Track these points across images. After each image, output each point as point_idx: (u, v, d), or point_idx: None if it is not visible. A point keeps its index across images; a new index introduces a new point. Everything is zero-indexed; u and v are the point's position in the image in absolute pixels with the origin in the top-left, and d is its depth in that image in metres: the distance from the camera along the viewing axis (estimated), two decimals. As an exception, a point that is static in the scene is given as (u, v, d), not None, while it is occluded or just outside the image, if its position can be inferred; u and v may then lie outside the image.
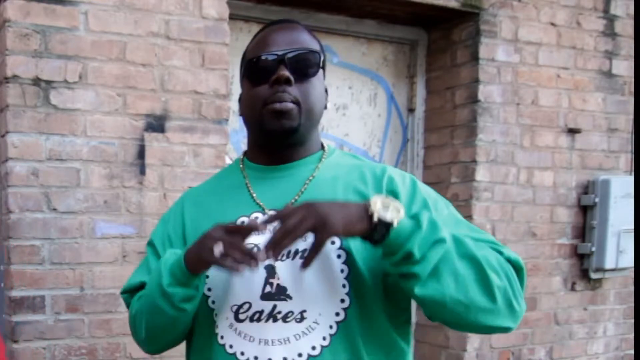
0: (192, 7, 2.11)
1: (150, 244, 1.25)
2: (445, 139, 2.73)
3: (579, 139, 2.82)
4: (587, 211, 2.85)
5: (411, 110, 2.83)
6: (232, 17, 2.24)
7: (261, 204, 1.11)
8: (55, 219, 1.97)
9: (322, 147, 1.19)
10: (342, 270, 1.05)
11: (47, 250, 1.97)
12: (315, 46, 1.11)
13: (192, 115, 2.13)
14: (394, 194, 1.08)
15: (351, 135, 2.68)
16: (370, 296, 1.06)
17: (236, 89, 2.47)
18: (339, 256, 1.05)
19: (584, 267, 2.88)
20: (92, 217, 2.02)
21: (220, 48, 2.16)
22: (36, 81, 1.93)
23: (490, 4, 2.58)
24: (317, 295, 1.05)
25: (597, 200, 2.80)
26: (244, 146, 2.50)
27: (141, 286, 1.21)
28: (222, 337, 1.09)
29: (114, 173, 2.04)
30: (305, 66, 1.08)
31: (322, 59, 1.10)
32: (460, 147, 2.67)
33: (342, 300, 1.05)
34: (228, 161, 2.33)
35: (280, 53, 1.07)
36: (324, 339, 1.05)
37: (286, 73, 1.06)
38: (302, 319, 1.05)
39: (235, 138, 2.48)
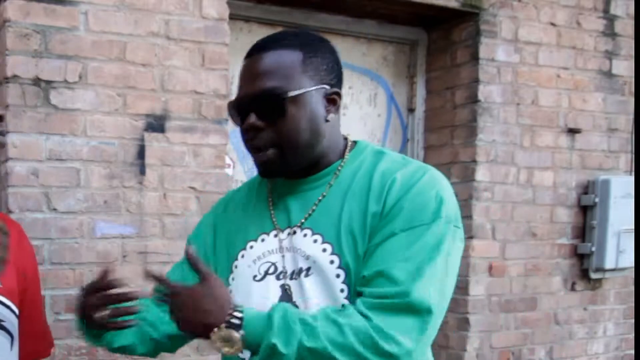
0: (192, 7, 2.11)
1: (189, 244, 1.25)
2: (445, 139, 2.73)
3: (579, 139, 2.82)
4: (587, 211, 2.85)
5: (411, 110, 2.83)
6: (232, 17, 2.24)
7: (275, 221, 1.13)
8: (55, 219, 1.97)
9: (345, 150, 1.13)
10: (342, 290, 1.04)
11: (47, 250, 1.97)
12: (288, 76, 1.02)
13: (192, 115, 2.13)
14: (384, 201, 1.02)
15: (351, 136, 2.68)
16: None
17: (236, 89, 2.47)
18: (337, 275, 1.04)
19: (584, 267, 2.88)
20: (92, 217, 2.02)
21: (220, 48, 2.16)
22: (36, 81, 1.93)
23: (490, 4, 2.58)
24: None
25: (597, 200, 2.80)
26: (244, 146, 2.50)
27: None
28: (242, 352, 1.07)
29: (114, 173, 2.04)
30: (271, 107, 1.03)
31: (289, 89, 1.02)
32: (460, 147, 2.67)
33: None
34: (228, 161, 2.34)
35: (242, 101, 1.06)
36: None
37: (251, 121, 1.04)
38: None
39: (235, 138, 2.48)
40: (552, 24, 2.72)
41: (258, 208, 1.17)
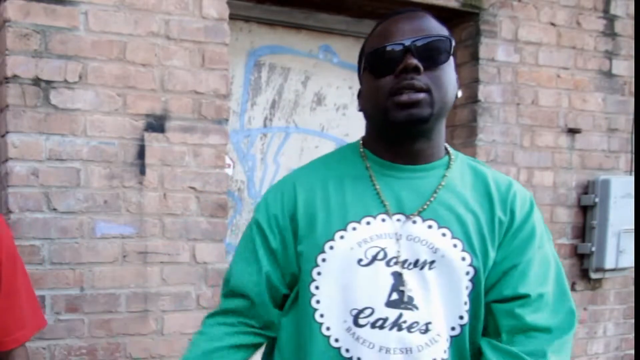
0: (192, 7, 2.11)
1: (257, 224, 1.15)
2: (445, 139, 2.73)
3: (579, 139, 2.82)
4: (587, 211, 2.85)
5: (411, 110, 2.82)
6: (232, 17, 2.24)
7: (387, 204, 1.07)
8: (55, 219, 1.97)
9: (447, 150, 1.14)
10: (467, 287, 1.04)
11: (47, 250, 1.97)
12: (444, 32, 1.05)
13: (192, 115, 2.13)
14: (512, 213, 1.07)
15: (351, 135, 2.68)
16: (481, 316, 1.06)
17: (236, 89, 2.47)
18: (467, 273, 1.04)
19: (584, 267, 2.88)
20: (92, 217, 2.02)
21: (220, 48, 2.15)
22: (36, 81, 1.93)
23: (490, 4, 2.58)
24: (442, 308, 1.04)
25: (597, 200, 2.80)
26: (244, 146, 2.50)
27: (230, 310, 1.16)
28: (336, 340, 1.05)
29: (114, 173, 2.04)
30: (434, 53, 1.02)
31: (452, 45, 1.04)
32: (460, 147, 2.67)
33: (461, 317, 1.04)
34: (228, 161, 2.33)
35: (406, 42, 1.01)
36: (445, 352, 1.03)
37: (414, 60, 0.99)
38: (426, 330, 1.02)
39: (235, 138, 2.48)
40: (552, 24, 2.72)
41: (359, 187, 1.10)
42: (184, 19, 2.10)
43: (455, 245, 1.03)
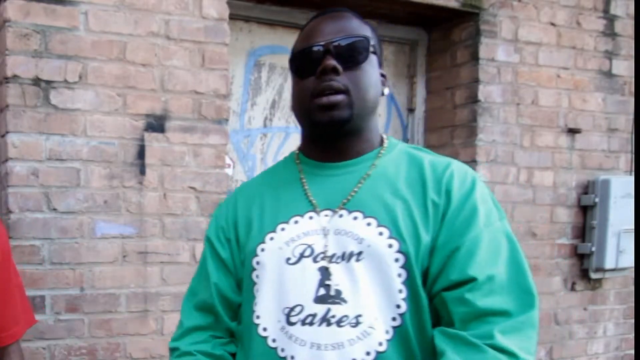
0: (192, 7, 2.11)
1: (208, 239, 1.20)
2: (445, 139, 2.73)
3: (579, 139, 2.82)
4: (587, 211, 2.85)
5: (411, 110, 2.83)
6: (232, 17, 2.24)
7: (314, 202, 1.08)
8: (55, 219, 1.97)
9: (382, 141, 1.14)
10: (399, 275, 1.01)
11: (47, 250, 1.97)
12: (364, 32, 1.07)
13: (192, 115, 2.13)
14: (447, 193, 1.04)
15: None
16: (423, 302, 1.03)
17: (236, 89, 2.47)
18: (396, 260, 1.01)
19: (584, 267, 2.88)
20: (92, 217, 2.02)
21: (220, 48, 2.15)
22: (36, 81, 1.93)
23: (490, 4, 2.58)
24: (374, 299, 1.02)
25: (597, 200, 2.80)
26: (244, 146, 2.50)
27: (196, 327, 1.16)
28: (274, 340, 1.06)
29: (114, 173, 2.04)
30: (353, 53, 1.04)
31: (371, 44, 1.06)
32: (460, 147, 2.67)
33: (398, 306, 1.02)
34: (228, 161, 2.33)
35: (324, 43, 1.03)
36: (380, 344, 1.01)
37: (332, 62, 1.02)
38: (357, 323, 1.01)
39: (235, 138, 2.48)
40: (552, 24, 2.72)
41: (289, 190, 1.12)
42: (184, 19, 2.10)
43: (381, 233, 1.02)
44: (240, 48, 2.45)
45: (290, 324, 1.04)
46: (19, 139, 1.92)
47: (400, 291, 1.01)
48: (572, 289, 2.89)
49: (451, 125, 2.70)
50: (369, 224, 1.03)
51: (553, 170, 2.78)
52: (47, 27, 1.93)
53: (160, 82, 2.08)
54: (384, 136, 1.15)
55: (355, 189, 1.07)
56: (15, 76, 1.90)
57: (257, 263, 1.09)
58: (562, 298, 2.86)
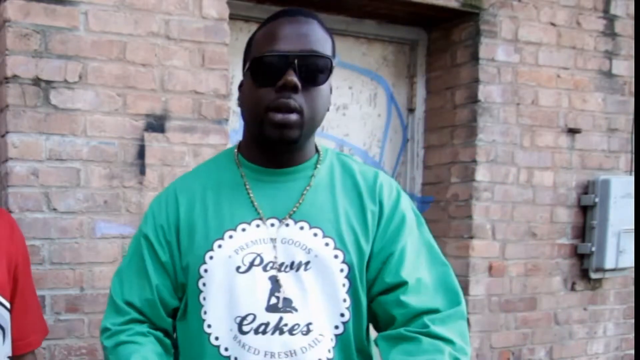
0: (192, 7, 2.11)
1: (145, 237, 1.16)
2: (445, 139, 2.73)
3: (579, 139, 2.83)
4: (587, 211, 2.85)
5: (411, 110, 2.83)
6: (232, 17, 2.24)
7: (260, 211, 1.08)
8: (55, 219, 1.97)
9: (317, 149, 1.16)
10: (343, 285, 1.05)
11: (47, 250, 1.97)
12: (328, 48, 1.05)
13: (192, 115, 2.13)
14: (380, 203, 1.08)
15: (351, 136, 2.68)
16: (363, 310, 1.07)
17: (236, 89, 2.47)
18: (341, 270, 1.05)
19: (584, 267, 2.88)
20: (92, 217, 2.02)
21: (220, 48, 2.16)
22: (36, 81, 1.93)
23: (490, 4, 2.58)
24: (322, 307, 1.04)
25: (597, 200, 2.80)
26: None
27: (136, 320, 1.14)
28: (226, 349, 1.06)
29: (114, 173, 2.04)
30: (315, 73, 1.02)
31: (333, 63, 1.05)
32: (460, 147, 2.67)
33: (342, 315, 1.05)
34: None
35: (290, 54, 1.00)
36: (329, 351, 1.04)
37: (294, 79, 0.99)
38: (308, 331, 1.03)
39: (235, 138, 2.48)
40: (552, 24, 2.72)
41: (233, 195, 1.11)
42: (184, 19, 2.10)
43: (327, 244, 1.05)
44: (240, 48, 2.44)
45: (243, 332, 1.04)
46: (19, 139, 1.92)
47: (345, 300, 1.05)
48: (572, 289, 2.89)
49: (451, 125, 2.70)
50: (315, 235, 1.06)
51: (553, 170, 2.78)
52: (47, 27, 1.93)
53: (160, 82, 2.08)
54: (317, 144, 1.17)
55: (300, 200, 1.08)
56: (15, 76, 1.90)
57: (205, 271, 1.07)
58: (562, 298, 2.86)
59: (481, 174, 2.62)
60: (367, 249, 1.06)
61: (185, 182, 1.18)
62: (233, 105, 2.45)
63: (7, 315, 1.20)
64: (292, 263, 1.05)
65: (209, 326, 1.07)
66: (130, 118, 2.05)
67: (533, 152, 2.72)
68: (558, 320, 2.87)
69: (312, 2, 2.43)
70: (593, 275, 2.89)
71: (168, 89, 2.09)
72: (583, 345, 2.96)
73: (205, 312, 1.08)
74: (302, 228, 1.06)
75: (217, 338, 1.07)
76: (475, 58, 2.60)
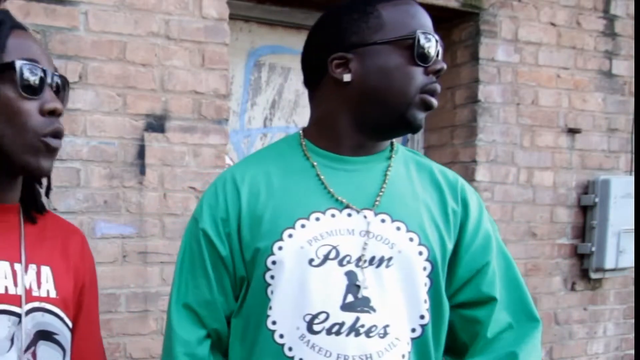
0: (192, 7, 2.11)
1: (204, 234, 1.05)
2: (445, 139, 2.73)
3: (579, 139, 2.82)
4: (587, 211, 2.85)
5: (411, 110, 2.82)
6: (232, 17, 2.24)
7: (339, 199, 0.99)
8: (55, 219, 1.97)
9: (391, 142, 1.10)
10: (425, 284, 0.97)
11: (47, 250, 1.97)
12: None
13: (192, 115, 2.13)
14: (465, 203, 1.03)
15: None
16: (444, 313, 0.99)
17: (236, 89, 2.47)
18: (424, 268, 0.97)
19: (584, 267, 2.88)
20: (92, 217, 2.02)
21: (220, 48, 2.15)
22: (36, 81, 1.92)
23: (490, 4, 2.58)
24: (401, 309, 0.97)
25: (597, 200, 2.80)
26: (244, 146, 2.50)
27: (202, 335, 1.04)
28: (290, 349, 0.97)
29: (114, 173, 2.04)
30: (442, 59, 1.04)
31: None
32: (460, 147, 2.67)
33: (422, 317, 0.98)
34: (228, 161, 2.33)
35: (437, 39, 1.01)
36: (403, 356, 0.96)
37: (444, 65, 1.00)
38: (385, 334, 0.95)
39: (235, 138, 2.48)
40: (552, 24, 2.72)
41: (303, 181, 1.01)
42: (184, 19, 2.10)
43: (411, 239, 0.97)
44: (240, 48, 2.45)
45: (313, 332, 0.95)
46: (19, 139, 1.92)
47: (425, 301, 0.98)
48: (572, 289, 2.89)
49: (451, 125, 2.70)
50: (398, 228, 0.98)
51: (553, 170, 2.78)
52: (47, 27, 1.93)
53: (160, 82, 2.08)
54: None
55: (381, 191, 1.00)
56: (15, 76, 1.90)
57: (273, 263, 0.98)
58: (562, 298, 2.86)
59: (481, 174, 2.62)
60: (450, 247, 1.00)
61: (245, 170, 1.07)
62: (233, 105, 2.45)
63: (68, 335, 1.06)
64: (373, 258, 0.96)
65: (274, 323, 0.98)
66: (130, 118, 2.05)
67: (533, 152, 2.72)
68: (558, 320, 2.87)
69: (313, 2, 2.42)
70: (593, 275, 2.89)
71: (168, 89, 2.09)
72: (583, 345, 2.96)
73: (270, 308, 0.98)
74: (383, 221, 0.98)
75: (281, 336, 0.97)
76: (475, 58, 2.60)
